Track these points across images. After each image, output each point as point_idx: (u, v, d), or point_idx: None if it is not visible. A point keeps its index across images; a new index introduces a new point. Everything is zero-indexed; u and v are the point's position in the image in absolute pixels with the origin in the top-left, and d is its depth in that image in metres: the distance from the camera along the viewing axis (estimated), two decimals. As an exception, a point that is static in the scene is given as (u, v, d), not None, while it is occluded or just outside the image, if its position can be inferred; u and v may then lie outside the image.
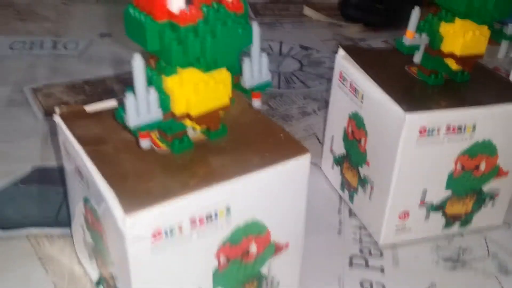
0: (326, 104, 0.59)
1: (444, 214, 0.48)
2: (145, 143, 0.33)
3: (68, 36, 0.83)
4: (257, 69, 0.35)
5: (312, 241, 0.46)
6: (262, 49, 0.35)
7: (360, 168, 0.49)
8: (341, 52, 0.51)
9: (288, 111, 0.67)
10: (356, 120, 0.49)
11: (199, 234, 0.33)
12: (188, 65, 0.31)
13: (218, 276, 0.36)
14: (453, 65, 0.46)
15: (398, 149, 0.43)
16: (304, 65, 0.80)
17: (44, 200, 0.50)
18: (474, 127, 0.44)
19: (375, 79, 0.46)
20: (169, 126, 0.34)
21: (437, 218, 0.48)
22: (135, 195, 0.32)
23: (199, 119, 0.34)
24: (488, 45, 0.45)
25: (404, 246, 0.48)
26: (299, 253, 0.41)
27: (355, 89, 0.48)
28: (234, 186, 0.34)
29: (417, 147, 0.43)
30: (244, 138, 0.37)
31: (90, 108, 0.40)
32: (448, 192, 0.47)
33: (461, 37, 0.43)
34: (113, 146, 0.36)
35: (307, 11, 0.98)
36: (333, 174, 0.55)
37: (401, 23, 0.87)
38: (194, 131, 0.37)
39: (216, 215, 0.34)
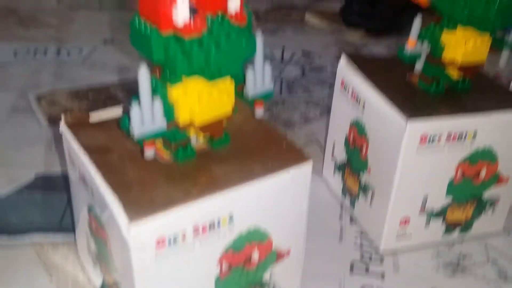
0: (328, 110, 0.60)
1: (445, 220, 0.48)
2: (149, 152, 0.34)
3: (71, 43, 0.83)
4: (260, 78, 0.35)
5: (313, 247, 0.46)
6: (265, 56, 0.35)
7: (361, 175, 0.50)
8: (343, 60, 0.51)
9: (290, 117, 0.68)
10: (357, 127, 0.49)
11: (202, 241, 0.34)
12: (193, 74, 0.32)
13: (220, 283, 0.36)
14: (454, 73, 0.46)
15: (399, 156, 0.44)
16: (306, 71, 0.80)
17: (48, 206, 0.51)
18: (474, 135, 0.44)
19: (377, 87, 0.46)
20: (173, 135, 0.34)
21: (438, 225, 0.48)
22: (139, 204, 0.32)
23: (202, 128, 0.34)
24: (489, 53, 0.45)
25: (404, 252, 0.48)
26: (300, 260, 0.41)
27: (356, 97, 0.49)
28: (237, 194, 0.34)
29: (418, 154, 0.44)
30: (246, 146, 0.38)
31: (95, 116, 0.40)
32: (449, 199, 0.47)
33: (463, 45, 0.44)
34: (117, 155, 0.36)
35: (309, 17, 0.98)
36: (335, 180, 0.55)
37: (402, 29, 0.88)
38: (197, 140, 0.37)
39: (219, 222, 0.34)
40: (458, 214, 0.48)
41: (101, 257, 0.39)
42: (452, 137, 0.44)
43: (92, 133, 0.38)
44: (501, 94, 0.48)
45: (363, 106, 0.48)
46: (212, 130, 0.35)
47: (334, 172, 0.55)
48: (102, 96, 0.69)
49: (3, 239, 0.47)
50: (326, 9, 1.02)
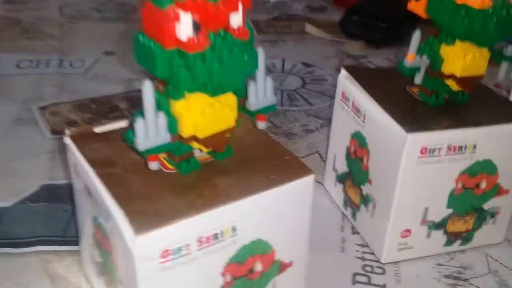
0: (328, 121, 0.60)
1: (445, 232, 0.49)
2: (153, 165, 0.34)
3: (73, 54, 0.84)
4: (262, 92, 0.36)
5: (315, 259, 0.47)
6: (266, 69, 0.35)
7: (362, 186, 0.50)
8: (344, 72, 0.51)
9: (291, 129, 0.68)
10: (358, 140, 0.50)
11: (206, 253, 0.34)
12: (196, 90, 0.32)
13: (224, 294, 0.37)
14: (453, 86, 0.46)
15: (400, 168, 0.44)
16: (306, 82, 0.81)
17: (52, 218, 0.51)
18: (474, 147, 0.45)
19: (377, 99, 0.47)
20: (177, 148, 0.35)
21: (438, 236, 0.49)
22: (144, 216, 0.32)
23: (205, 141, 0.35)
24: (488, 66, 0.46)
25: (406, 264, 0.49)
26: (303, 271, 0.41)
27: (357, 109, 0.49)
28: (240, 206, 0.35)
29: (418, 166, 0.44)
30: (249, 159, 0.38)
31: (99, 129, 0.41)
32: (449, 211, 0.47)
33: (461, 59, 0.44)
34: (122, 168, 0.37)
35: (309, 28, 0.99)
36: (336, 192, 0.56)
37: (402, 40, 0.89)
38: (200, 152, 0.37)
39: (222, 234, 0.34)
40: (458, 226, 0.49)
41: (106, 268, 0.39)
42: (452, 149, 0.44)
43: (96, 146, 0.39)
44: (501, 106, 0.49)
45: (364, 119, 0.48)
46: (215, 144, 0.36)
47: (336, 183, 0.56)
48: (105, 108, 0.69)
49: (8, 250, 0.47)
50: (326, 20, 1.02)
